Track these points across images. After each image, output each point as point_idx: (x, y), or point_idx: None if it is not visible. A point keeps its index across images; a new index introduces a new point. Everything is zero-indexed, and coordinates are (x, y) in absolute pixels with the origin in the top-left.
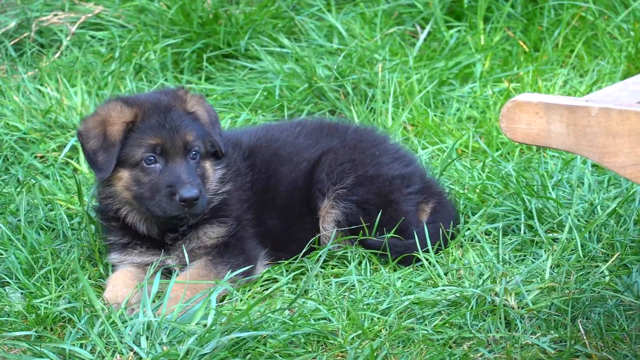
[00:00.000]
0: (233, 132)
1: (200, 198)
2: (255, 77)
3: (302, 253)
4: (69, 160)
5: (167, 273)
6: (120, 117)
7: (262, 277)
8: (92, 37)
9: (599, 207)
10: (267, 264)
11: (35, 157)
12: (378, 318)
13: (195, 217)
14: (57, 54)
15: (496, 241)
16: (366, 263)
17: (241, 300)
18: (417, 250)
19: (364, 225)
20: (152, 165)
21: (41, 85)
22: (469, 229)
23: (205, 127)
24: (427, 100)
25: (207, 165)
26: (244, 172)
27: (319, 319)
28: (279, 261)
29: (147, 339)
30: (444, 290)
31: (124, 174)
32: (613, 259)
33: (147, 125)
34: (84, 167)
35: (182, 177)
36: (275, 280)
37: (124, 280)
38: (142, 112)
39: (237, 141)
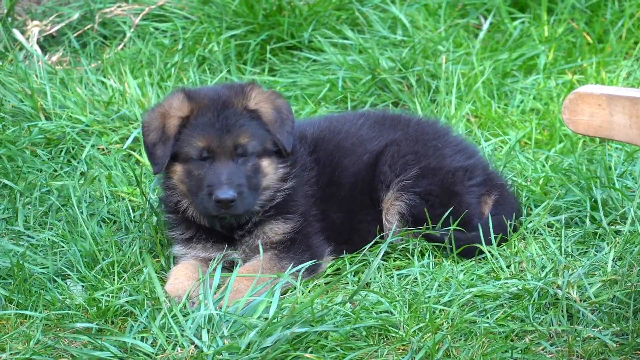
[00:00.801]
0: (297, 124)
1: (238, 200)
2: (318, 69)
3: (368, 246)
4: (132, 152)
5: (230, 267)
6: (178, 111)
7: (325, 271)
8: (156, 28)
9: None
10: (333, 258)
11: (98, 149)
12: (440, 311)
13: (237, 218)
14: (120, 46)
15: (559, 233)
16: (429, 255)
17: (303, 293)
18: (480, 243)
19: (428, 217)
20: (203, 162)
21: (104, 77)
22: (531, 221)
23: (267, 126)
24: (491, 92)
25: (265, 163)
26: (310, 167)
27: (380, 312)
28: (342, 255)
29: (208, 332)
30: (506, 283)
31: (178, 168)
32: None
33: (199, 123)
34: (145, 159)
35: (221, 178)
36: (338, 273)
37: (186, 272)
38: (198, 108)
39: (302, 134)
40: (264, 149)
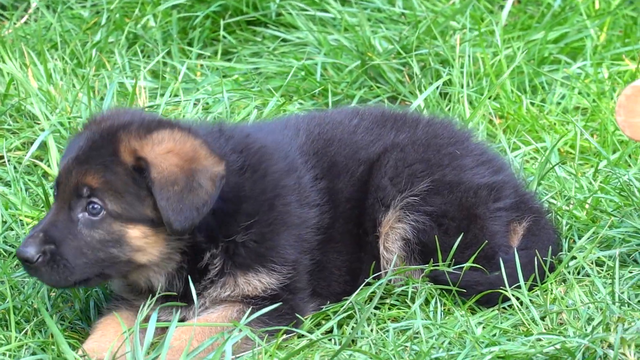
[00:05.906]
0: (275, 125)
1: (43, 264)
2: (289, 52)
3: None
4: (37, 162)
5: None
6: None
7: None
8: None
9: None
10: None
11: None
12: None
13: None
14: (23, 19)
15: (611, 274)
16: (435, 302)
17: (267, 353)
18: (505, 286)
19: (439, 247)
20: None
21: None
22: (574, 257)
23: (153, 185)
24: (521, 84)
25: (136, 232)
26: (312, 202)
27: None
28: (322, 306)
29: None
30: (539, 339)
31: None
32: None
33: (69, 144)
34: (56, 171)
35: (37, 226)
36: (317, 326)
37: (117, 328)
38: (85, 126)
39: (309, 148)
40: (131, 215)
